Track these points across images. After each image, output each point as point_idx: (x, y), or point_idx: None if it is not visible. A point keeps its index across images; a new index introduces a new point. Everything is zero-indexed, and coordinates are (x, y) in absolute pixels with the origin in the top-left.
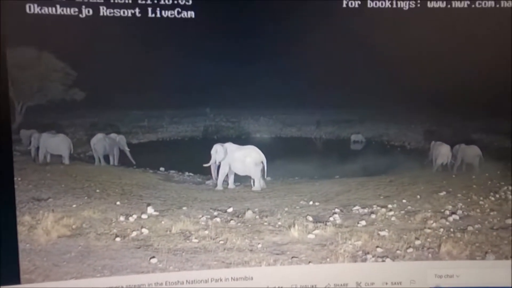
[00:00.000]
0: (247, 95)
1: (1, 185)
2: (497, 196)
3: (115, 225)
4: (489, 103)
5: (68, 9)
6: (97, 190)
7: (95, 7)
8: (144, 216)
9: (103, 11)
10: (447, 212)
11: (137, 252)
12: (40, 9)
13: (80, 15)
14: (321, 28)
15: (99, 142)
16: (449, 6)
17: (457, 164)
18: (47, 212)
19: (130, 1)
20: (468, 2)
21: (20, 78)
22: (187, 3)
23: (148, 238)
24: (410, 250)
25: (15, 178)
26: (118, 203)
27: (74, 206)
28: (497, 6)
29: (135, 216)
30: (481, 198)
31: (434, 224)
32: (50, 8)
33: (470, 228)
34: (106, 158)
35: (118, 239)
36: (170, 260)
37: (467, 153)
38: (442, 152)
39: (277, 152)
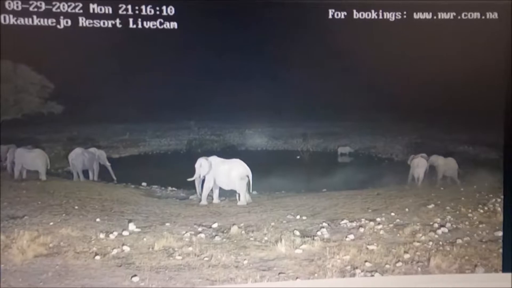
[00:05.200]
0: (231, 108)
1: None
2: (486, 208)
3: (95, 242)
4: (476, 114)
5: (46, 20)
6: (76, 207)
7: (74, 17)
8: (125, 233)
9: (82, 22)
10: (436, 225)
11: (118, 270)
12: (16, 20)
13: (58, 26)
14: (307, 39)
15: (77, 157)
16: (435, 17)
17: (439, 177)
18: (23, 230)
19: (111, 12)
20: (454, 14)
21: None
22: (170, 13)
23: (130, 256)
24: (399, 264)
25: None
26: (98, 220)
27: (51, 223)
28: (483, 17)
29: (115, 233)
30: (470, 211)
31: (423, 237)
32: (26, 19)
33: (459, 241)
34: (85, 173)
35: (97, 257)
36: (153, 278)
37: (449, 166)
38: (420, 165)
39: (263, 166)
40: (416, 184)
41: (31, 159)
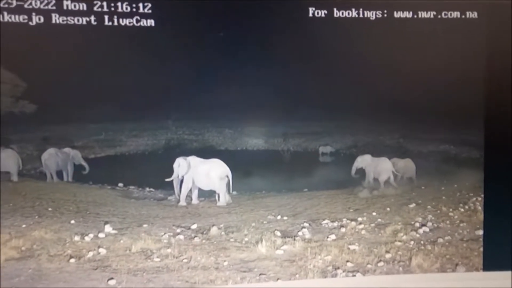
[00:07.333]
0: (210, 107)
1: None
2: (466, 207)
3: (69, 245)
4: (457, 114)
5: (17, 16)
6: (49, 209)
7: (47, 14)
8: (101, 235)
9: (56, 18)
10: (417, 224)
11: (93, 273)
12: None
13: (30, 23)
14: (287, 37)
15: (50, 157)
16: (415, 16)
17: (398, 179)
18: None
19: (85, 8)
20: (434, 13)
21: None
22: (146, 11)
23: (106, 259)
24: (381, 264)
25: None
26: (72, 221)
27: (24, 226)
28: (463, 16)
29: (91, 235)
30: (451, 210)
31: (404, 237)
32: None
33: (440, 240)
34: (59, 174)
35: (72, 260)
36: (130, 281)
37: (409, 167)
38: (386, 167)
39: (243, 166)
40: (390, 185)
41: (2, 159)
